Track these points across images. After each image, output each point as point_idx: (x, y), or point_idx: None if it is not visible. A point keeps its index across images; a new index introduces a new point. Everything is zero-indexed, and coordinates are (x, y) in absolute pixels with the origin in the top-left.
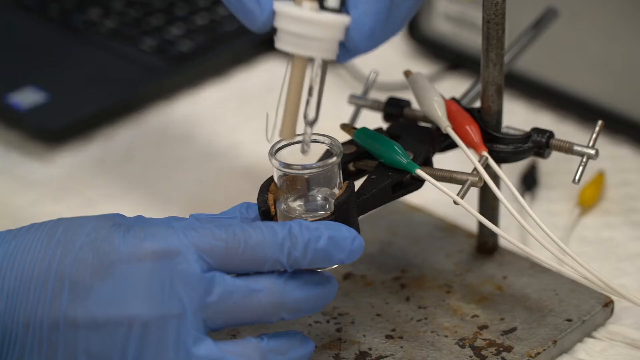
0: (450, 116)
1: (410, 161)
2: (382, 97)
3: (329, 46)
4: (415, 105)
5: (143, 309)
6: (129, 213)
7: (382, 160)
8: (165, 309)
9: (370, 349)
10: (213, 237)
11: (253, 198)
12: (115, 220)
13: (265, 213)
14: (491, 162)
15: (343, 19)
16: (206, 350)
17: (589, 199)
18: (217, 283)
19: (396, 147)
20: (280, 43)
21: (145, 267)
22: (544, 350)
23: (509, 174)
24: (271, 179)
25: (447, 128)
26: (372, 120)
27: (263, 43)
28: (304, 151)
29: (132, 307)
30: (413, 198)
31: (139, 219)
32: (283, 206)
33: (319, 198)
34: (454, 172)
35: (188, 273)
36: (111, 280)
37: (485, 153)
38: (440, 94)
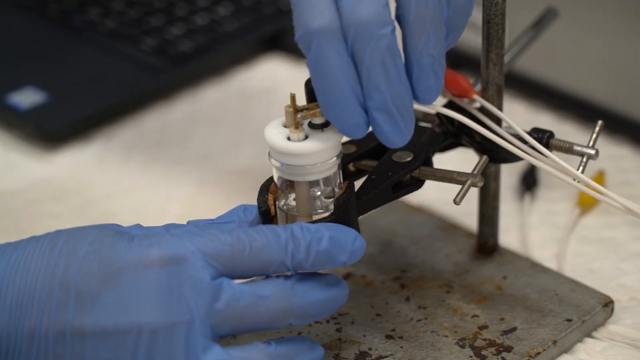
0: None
1: None
2: None
3: (325, 167)
4: (415, 104)
5: (152, 316)
6: (129, 213)
7: None
8: (174, 316)
9: (370, 349)
10: (219, 242)
11: (252, 198)
12: (117, 229)
13: (265, 213)
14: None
15: (333, 138)
16: (215, 357)
17: (589, 199)
18: (224, 289)
19: None
20: (279, 172)
21: (152, 274)
22: (544, 350)
23: (509, 174)
24: (271, 179)
25: None
26: None
27: (263, 43)
28: None
29: (140, 315)
30: (413, 198)
31: (138, 227)
32: (283, 206)
33: (319, 198)
34: (454, 172)
35: (196, 279)
36: (118, 289)
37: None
38: None
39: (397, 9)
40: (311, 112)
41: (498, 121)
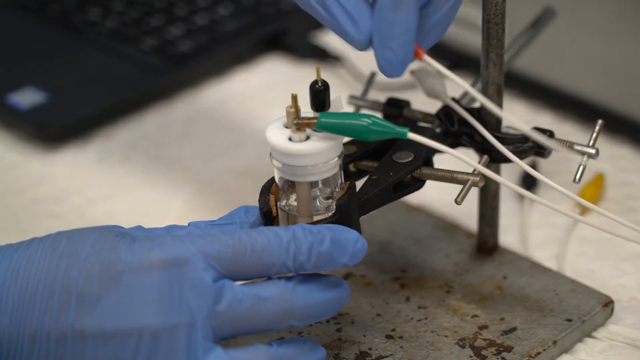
0: None
1: (399, 126)
2: (382, 97)
3: (327, 167)
4: (414, 105)
5: (153, 319)
6: (129, 213)
7: (367, 137)
8: (175, 318)
9: (370, 349)
10: (220, 244)
11: (253, 198)
12: (118, 231)
13: (267, 214)
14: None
15: (335, 139)
16: (216, 359)
17: (589, 199)
18: (226, 291)
19: (377, 119)
20: (280, 172)
21: (154, 276)
22: (544, 350)
23: (509, 174)
24: (272, 179)
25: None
26: None
27: (263, 43)
28: None
29: (141, 317)
30: (413, 198)
31: (139, 228)
32: (285, 207)
33: (320, 199)
34: (455, 172)
35: (197, 281)
36: (119, 291)
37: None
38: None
39: None
40: (306, 121)
41: (497, 125)
